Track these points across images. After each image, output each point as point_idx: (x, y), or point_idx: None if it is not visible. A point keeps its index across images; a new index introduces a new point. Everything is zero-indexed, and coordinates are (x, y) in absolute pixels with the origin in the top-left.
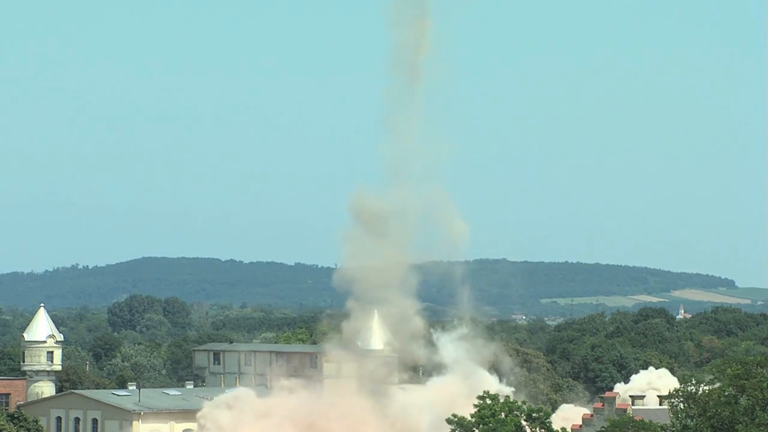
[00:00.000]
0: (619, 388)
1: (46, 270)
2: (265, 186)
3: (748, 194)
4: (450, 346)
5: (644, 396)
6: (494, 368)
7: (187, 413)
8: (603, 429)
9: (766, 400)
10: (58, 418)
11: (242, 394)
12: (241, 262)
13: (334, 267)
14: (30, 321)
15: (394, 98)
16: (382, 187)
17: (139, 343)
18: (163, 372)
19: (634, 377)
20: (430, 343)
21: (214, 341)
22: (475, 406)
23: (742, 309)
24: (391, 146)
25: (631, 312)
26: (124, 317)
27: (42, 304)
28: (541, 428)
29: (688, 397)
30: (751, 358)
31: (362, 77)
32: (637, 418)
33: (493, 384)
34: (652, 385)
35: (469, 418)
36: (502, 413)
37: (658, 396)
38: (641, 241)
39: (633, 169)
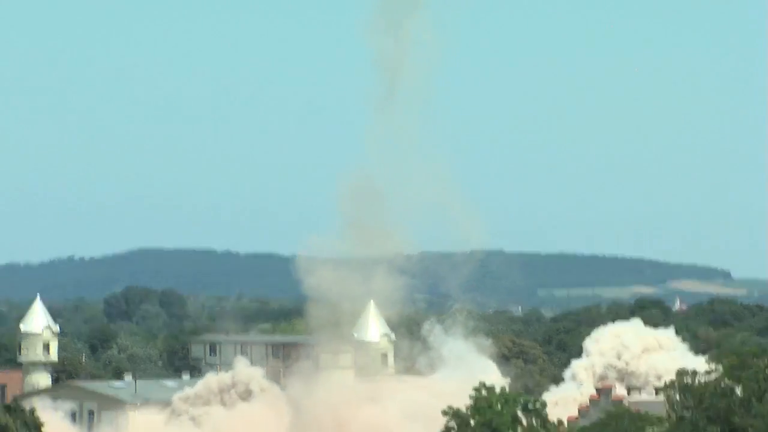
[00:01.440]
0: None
1: (42, 261)
2: (261, 176)
3: (745, 185)
4: (446, 337)
5: (640, 387)
6: (490, 360)
7: None
8: (599, 420)
9: (762, 391)
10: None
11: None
12: (237, 253)
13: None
14: (26, 312)
15: (383, 94)
16: (371, 177)
17: (136, 335)
18: (160, 363)
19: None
20: (426, 335)
21: (210, 332)
22: (471, 397)
23: (738, 300)
24: (382, 139)
25: (627, 303)
26: (120, 308)
27: (38, 296)
28: (537, 419)
29: (684, 389)
30: (748, 349)
31: (359, 73)
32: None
33: (489, 375)
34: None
35: (465, 409)
36: (498, 404)
37: (655, 387)
38: (637, 232)
39: (629, 160)
